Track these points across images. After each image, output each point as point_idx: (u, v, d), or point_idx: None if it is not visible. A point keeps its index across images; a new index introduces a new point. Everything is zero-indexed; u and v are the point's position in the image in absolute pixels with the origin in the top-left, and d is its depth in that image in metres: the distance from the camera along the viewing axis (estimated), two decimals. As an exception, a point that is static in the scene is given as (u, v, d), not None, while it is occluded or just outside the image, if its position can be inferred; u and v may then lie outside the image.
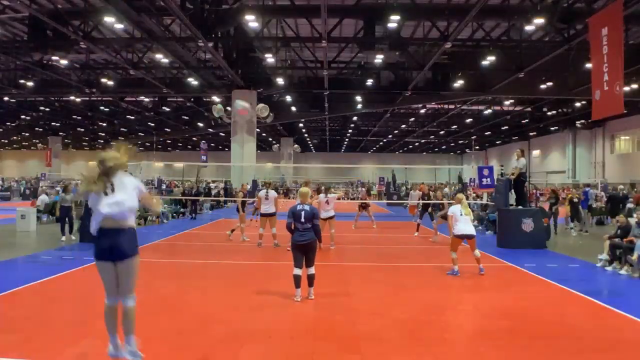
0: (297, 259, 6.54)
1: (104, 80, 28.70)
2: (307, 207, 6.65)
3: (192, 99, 36.21)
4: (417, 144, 64.39)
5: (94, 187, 4.06)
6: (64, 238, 12.21)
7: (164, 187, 32.26)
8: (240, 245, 12.28)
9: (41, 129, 51.77)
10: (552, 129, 45.48)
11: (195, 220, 18.72)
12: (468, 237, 8.52)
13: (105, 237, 4.05)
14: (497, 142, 59.81)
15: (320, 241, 7.13)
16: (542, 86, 27.03)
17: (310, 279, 6.63)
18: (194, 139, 56.12)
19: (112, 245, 4.03)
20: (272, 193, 11.82)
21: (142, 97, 37.09)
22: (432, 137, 57.27)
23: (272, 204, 11.66)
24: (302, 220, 6.51)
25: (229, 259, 10.27)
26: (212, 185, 31.57)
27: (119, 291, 4.16)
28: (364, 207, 17.05)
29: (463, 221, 8.49)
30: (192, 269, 8.84)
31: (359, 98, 32.16)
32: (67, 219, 12.46)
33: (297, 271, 6.52)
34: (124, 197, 4.10)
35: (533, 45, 22.71)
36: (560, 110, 37.69)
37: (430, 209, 15.56)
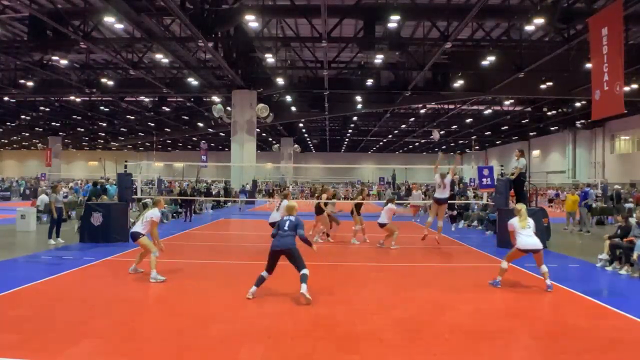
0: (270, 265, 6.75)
1: (104, 80, 28.72)
2: (292, 218, 6.84)
3: (192, 99, 36.23)
4: (417, 144, 64.40)
5: None
6: (53, 242, 11.76)
7: (163, 187, 32.29)
8: (239, 246, 12.30)
9: (41, 129, 51.79)
10: (552, 129, 45.50)
11: (195, 221, 18.68)
12: (533, 252, 7.51)
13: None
14: (497, 142, 59.82)
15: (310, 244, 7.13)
16: (542, 86, 27.04)
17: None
18: (194, 139, 56.14)
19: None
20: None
21: (142, 97, 37.11)
22: (432, 137, 57.19)
23: None
24: (285, 228, 6.70)
25: (228, 259, 10.27)
26: (212, 185, 31.57)
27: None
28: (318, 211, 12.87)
29: (525, 234, 7.55)
30: (192, 269, 8.84)
31: (359, 98, 32.18)
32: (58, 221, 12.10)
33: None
34: None
35: (533, 45, 22.71)
36: (560, 110, 37.71)
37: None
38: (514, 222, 7.71)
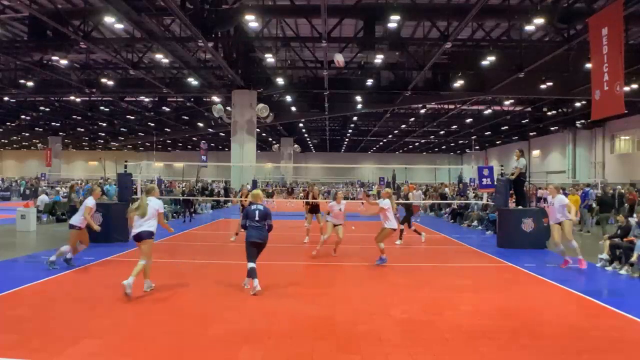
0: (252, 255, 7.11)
1: (104, 80, 28.71)
2: (260, 207, 7.21)
3: (192, 99, 36.22)
4: (417, 144, 64.37)
5: None
6: None
7: (163, 187, 32.27)
8: (239, 246, 12.28)
9: (41, 129, 51.78)
10: (552, 129, 45.46)
11: (195, 221, 18.67)
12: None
13: None
14: (497, 142, 59.78)
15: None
16: (542, 86, 27.03)
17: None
18: (194, 139, 56.12)
19: None
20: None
21: (142, 97, 37.10)
22: (432, 137, 57.25)
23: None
24: (257, 218, 7.05)
25: (228, 259, 10.27)
26: (213, 185, 31.58)
27: None
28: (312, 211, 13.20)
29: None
30: (192, 269, 8.84)
31: (359, 98, 32.17)
32: None
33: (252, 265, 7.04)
34: None
35: (533, 45, 22.71)
36: (560, 110, 37.69)
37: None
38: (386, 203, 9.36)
